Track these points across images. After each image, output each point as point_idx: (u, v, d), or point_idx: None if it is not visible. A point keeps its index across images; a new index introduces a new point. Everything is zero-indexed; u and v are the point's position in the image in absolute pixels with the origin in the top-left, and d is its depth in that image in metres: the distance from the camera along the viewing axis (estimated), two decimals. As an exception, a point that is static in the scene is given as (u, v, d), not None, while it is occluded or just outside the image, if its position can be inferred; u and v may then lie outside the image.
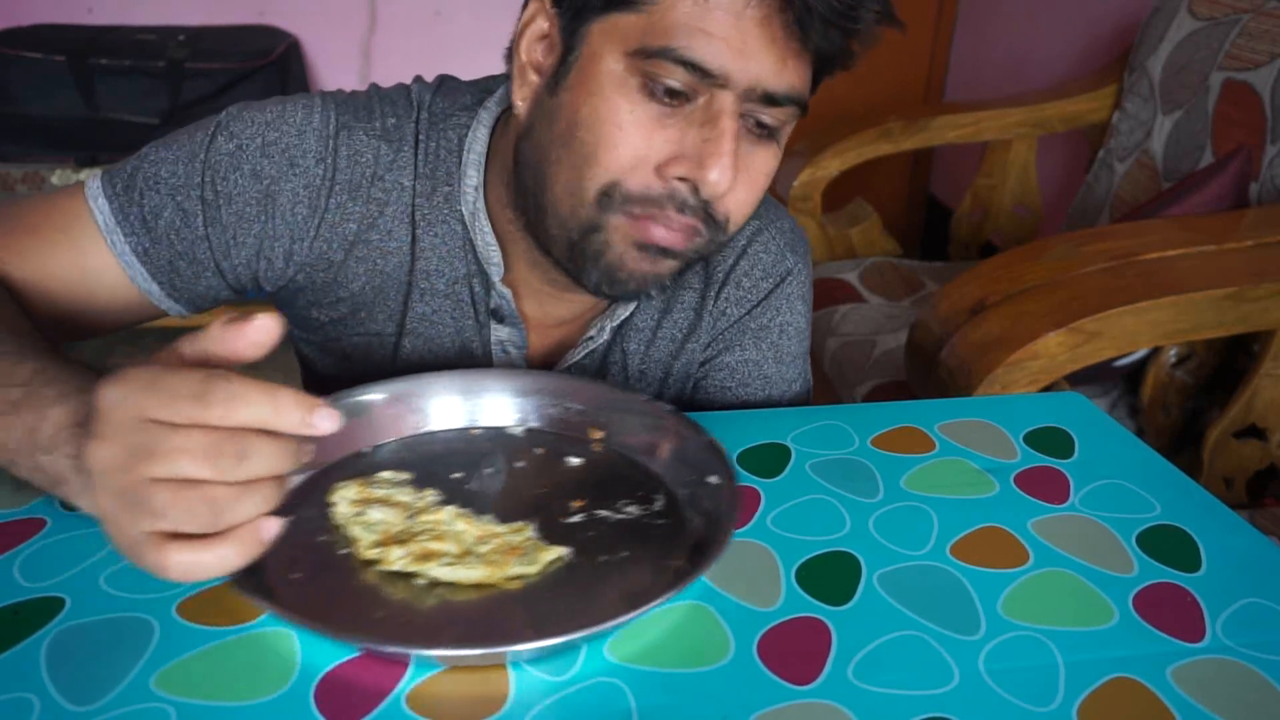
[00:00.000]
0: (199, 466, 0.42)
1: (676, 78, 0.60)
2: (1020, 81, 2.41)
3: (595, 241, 0.65)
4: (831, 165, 1.84)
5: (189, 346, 0.45)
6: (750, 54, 0.60)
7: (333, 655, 0.50)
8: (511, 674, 0.50)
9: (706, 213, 0.65)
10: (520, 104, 0.68)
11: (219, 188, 0.70)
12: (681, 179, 0.62)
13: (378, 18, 2.50)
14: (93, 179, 0.71)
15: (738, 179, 0.64)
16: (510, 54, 0.69)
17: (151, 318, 0.75)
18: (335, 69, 2.53)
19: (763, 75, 0.60)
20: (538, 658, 0.51)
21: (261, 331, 0.44)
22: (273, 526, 0.45)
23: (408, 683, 0.49)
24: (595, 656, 0.51)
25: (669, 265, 0.67)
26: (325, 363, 0.80)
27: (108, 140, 2.20)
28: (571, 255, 0.67)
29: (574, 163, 0.64)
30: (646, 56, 0.60)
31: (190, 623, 0.52)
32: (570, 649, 0.51)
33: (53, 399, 0.51)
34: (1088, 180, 1.84)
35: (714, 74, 0.60)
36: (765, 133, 0.65)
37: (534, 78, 0.67)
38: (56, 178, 2.17)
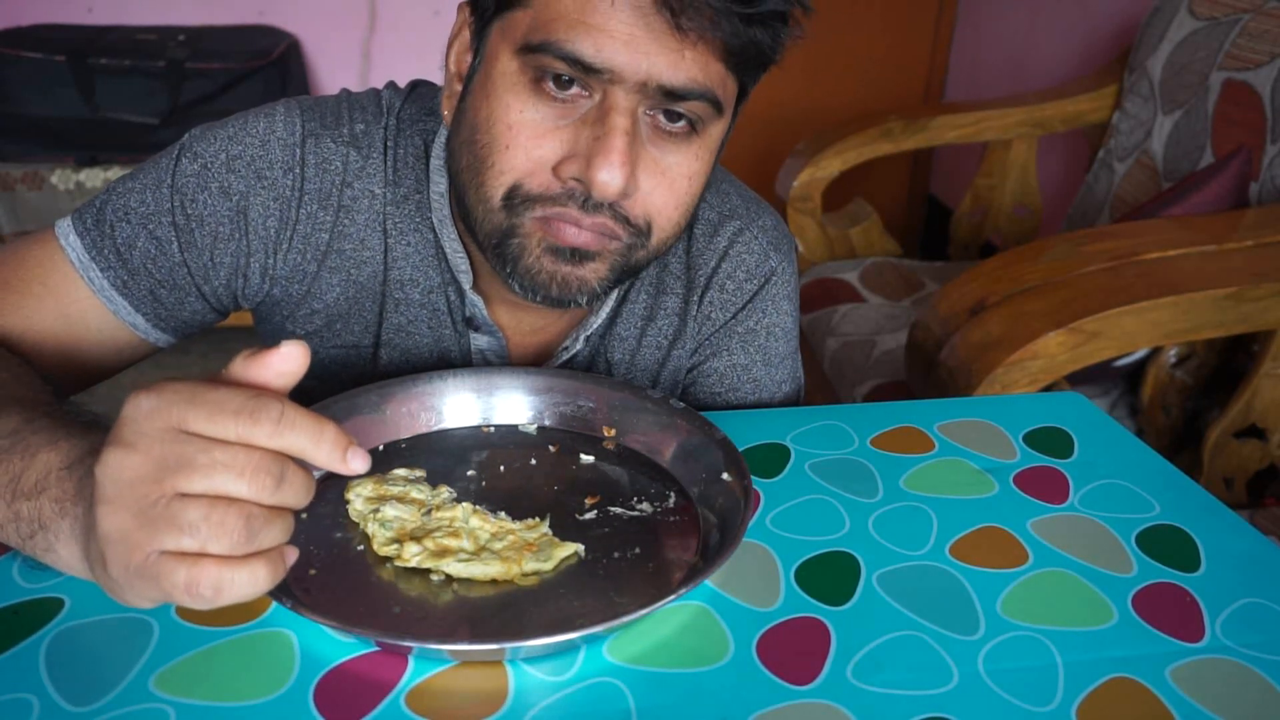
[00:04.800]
0: (238, 484, 0.40)
1: (562, 72, 0.58)
2: (1020, 81, 2.41)
3: (511, 246, 0.64)
4: (831, 165, 1.84)
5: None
6: (639, 47, 0.56)
7: (332, 655, 0.50)
8: (511, 674, 0.50)
9: (618, 214, 0.62)
10: (446, 115, 0.67)
11: (189, 210, 0.69)
12: (576, 179, 0.60)
13: (378, 18, 2.50)
14: (62, 220, 0.70)
15: (654, 182, 0.61)
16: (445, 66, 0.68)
17: (144, 354, 0.73)
18: (335, 69, 2.53)
19: (656, 69, 0.57)
20: (538, 656, 0.51)
21: (289, 360, 0.42)
22: (292, 554, 0.43)
23: (407, 682, 0.49)
24: (595, 656, 0.51)
25: (591, 270, 0.64)
26: (303, 377, 0.78)
27: (108, 140, 2.20)
28: (497, 261, 0.66)
29: (477, 168, 0.63)
30: (530, 52, 0.58)
31: (189, 623, 0.52)
32: (570, 648, 0.51)
33: (42, 444, 0.49)
34: (1088, 180, 1.84)
35: (598, 69, 0.57)
36: (682, 130, 0.61)
37: (458, 87, 0.66)
38: (56, 178, 2.17)
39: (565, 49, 0.57)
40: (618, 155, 0.58)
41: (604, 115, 0.59)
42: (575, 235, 0.62)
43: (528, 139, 0.60)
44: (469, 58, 0.65)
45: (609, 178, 0.58)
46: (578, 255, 0.63)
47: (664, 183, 0.62)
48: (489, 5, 0.62)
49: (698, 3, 0.55)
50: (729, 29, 0.57)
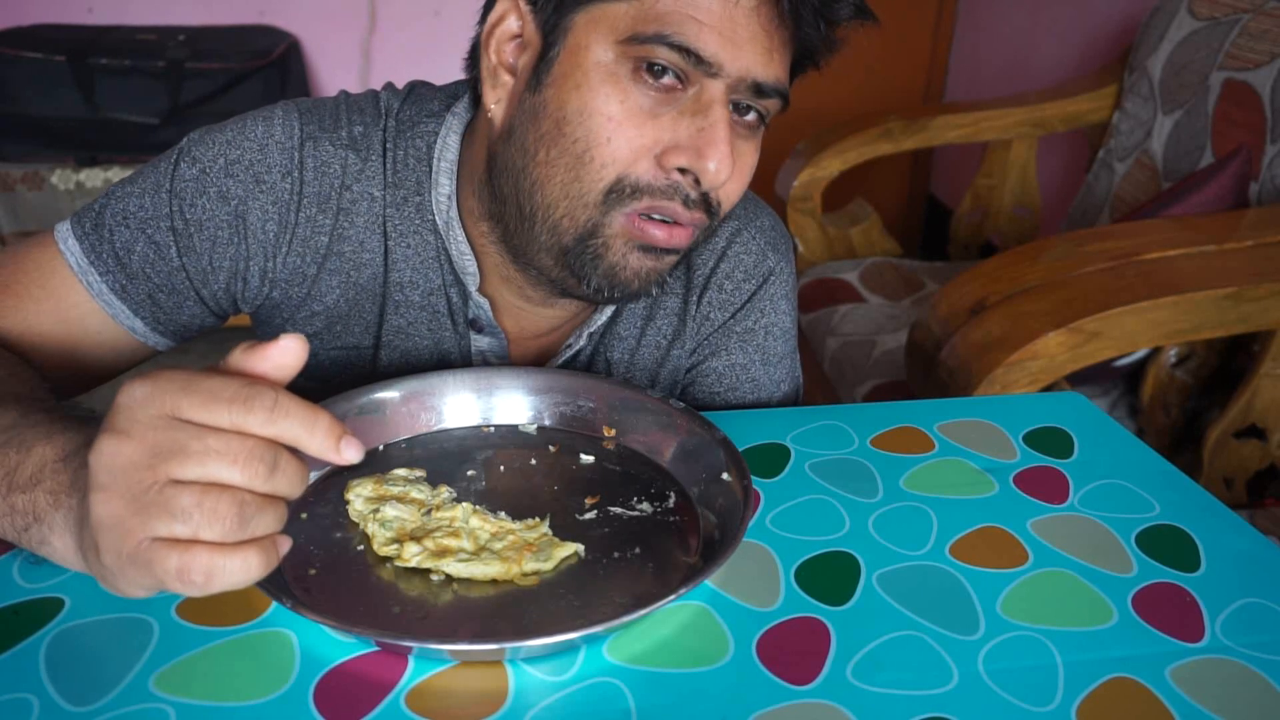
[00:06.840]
0: (231, 471, 0.40)
1: (670, 63, 0.60)
2: (1020, 81, 2.41)
3: (594, 245, 0.64)
4: (831, 165, 1.84)
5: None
6: (741, 43, 0.60)
7: (332, 655, 0.50)
8: (511, 674, 0.50)
9: (708, 204, 0.65)
10: (494, 107, 0.66)
11: (188, 215, 0.69)
12: (682, 170, 0.62)
13: (378, 18, 2.50)
14: (61, 224, 0.70)
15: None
16: (473, 58, 0.67)
17: (143, 357, 0.73)
18: (335, 69, 2.53)
19: (752, 65, 0.60)
20: (538, 656, 0.51)
21: (287, 353, 0.42)
22: (285, 543, 0.43)
23: (407, 682, 0.49)
24: (595, 656, 0.51)
25: (669, 261, 0.67)
26: (303, 378, 0.78)
27: (108, 140, 2.20)
28: (565, 261, 0.66)
29: (568, 162, 0.62)
30: (639, 43, 0.59)
31: (190, 623, 0.52)
32: (570, 648, 0.51)
33: (38, 437, 0.50)
34: (1088, 180, 1.84)
35: (707, 61, 0.59)
36: (753, 123, 0.65)
37: (507, 78, 0.66)
38: (56, 178, 2.17)
39: (679, 41, 0.59)
40: (726, 145, 0.61)
41: (705, 107, 0.61)
42: (667, 236, 0.64)
43: (630, 128, 0.61)
44: (517, 47, 0.65)
45: (719, 167, 0.61)
46: (665, 250, 0.65)
47: (738, 171, 0.65)
48: None
49: (802, 6, 0.59)
50: (813, 33, 0.61)
